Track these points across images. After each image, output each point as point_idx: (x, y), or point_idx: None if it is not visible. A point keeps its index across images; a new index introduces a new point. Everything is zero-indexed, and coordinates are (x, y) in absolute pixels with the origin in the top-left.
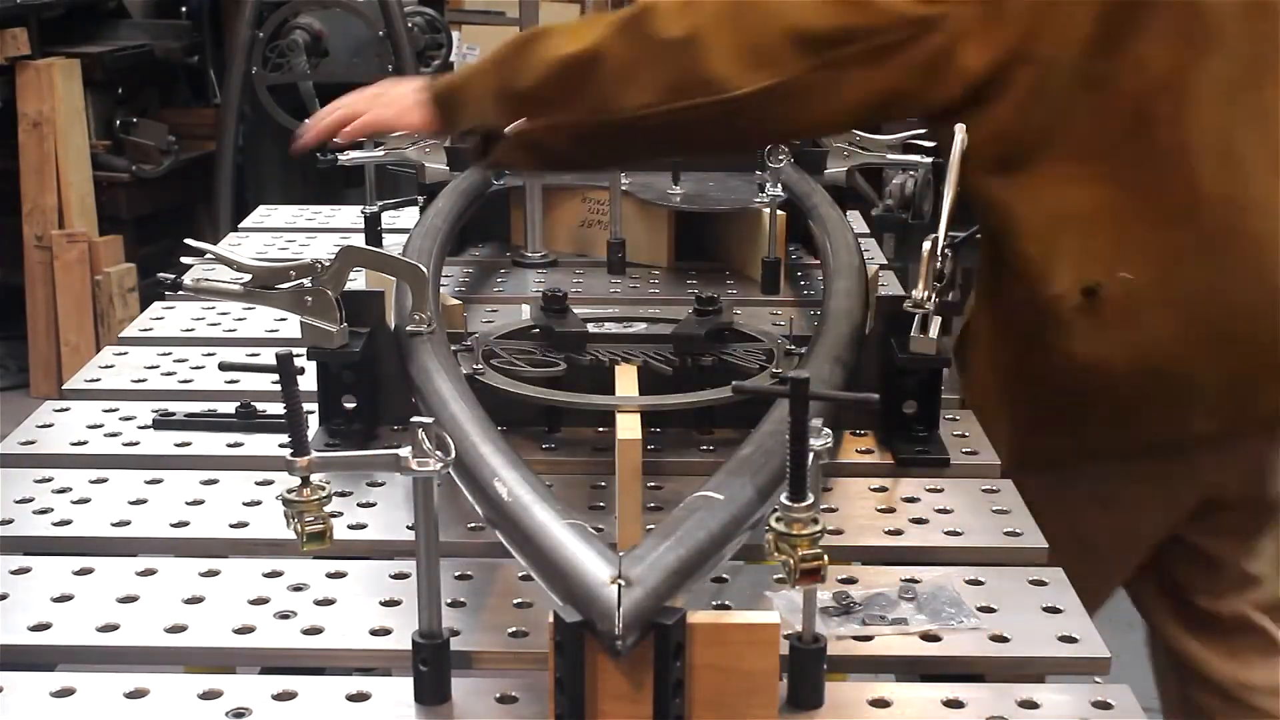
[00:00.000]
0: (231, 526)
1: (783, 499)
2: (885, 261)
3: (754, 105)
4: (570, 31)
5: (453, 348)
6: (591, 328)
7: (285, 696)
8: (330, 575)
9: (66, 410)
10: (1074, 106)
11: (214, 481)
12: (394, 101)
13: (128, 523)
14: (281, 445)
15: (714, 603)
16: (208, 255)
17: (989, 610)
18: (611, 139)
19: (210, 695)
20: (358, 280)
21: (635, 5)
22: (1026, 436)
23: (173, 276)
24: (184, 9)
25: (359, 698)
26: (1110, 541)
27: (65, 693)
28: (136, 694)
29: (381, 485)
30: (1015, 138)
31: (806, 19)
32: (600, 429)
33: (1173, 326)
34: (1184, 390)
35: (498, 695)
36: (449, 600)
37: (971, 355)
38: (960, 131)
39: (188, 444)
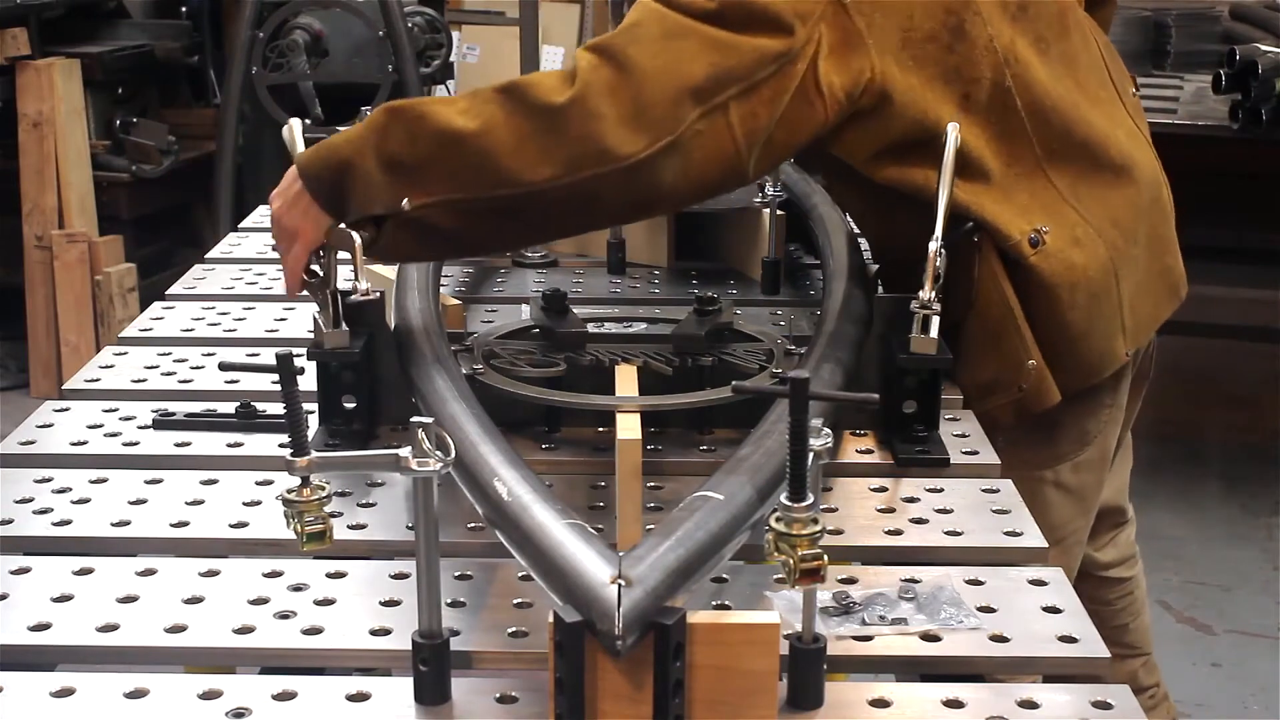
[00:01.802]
0: (231, 526)
1: (783, 499)
2: None
3: (650, 166)
4: (451, 105)
5: (453, 348)
6: (591, 328)
7: (285, 696)
8: (330, 575)
9: (66, 410)
10: (945, 95)
11: (214, 481)
12: (290, 228)
13: (128, 523)
14: (281, 445)
15: (714, 603)
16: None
17: (989, 610)
18: (506, 214)
19: (210, 695)
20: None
21: (513, 80)
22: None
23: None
24: (184, 9)
25: (359, 698)
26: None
27: (65, 693)
28: (136, 694)
29: (381, 485)
30: (898, 135)
31: (683, 72)
32: (600, 429)
33: (1092, 251)
34: (1112, 311)
35: (498, 695)
36: (449, 600)
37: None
38: (953, 130)
39: (188, 444)
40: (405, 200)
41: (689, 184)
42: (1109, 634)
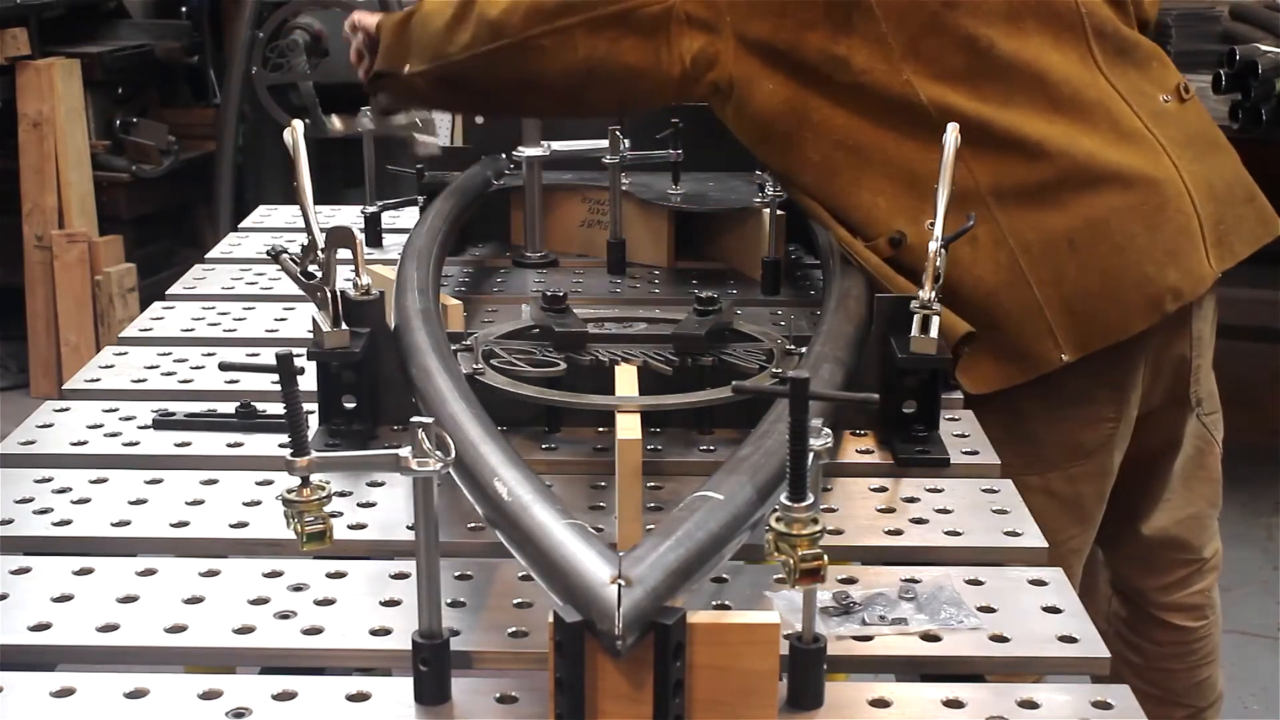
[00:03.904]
0: (231, 526)
1: (783, 499)
2: None
3: (524, 52)
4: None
5: (453, 348)
6: (591, 328)
7: (285, 696)
8: (330, 575)
9: (66, 410)
10: (827, 88)
11: (214, 481)
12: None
13: (128, 523)
14: (281, 445)
15: (714, 603)
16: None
17: (989, 610)
18: (454, 81)
19: (210, 695)
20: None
21: None
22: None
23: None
24: (184, 9)
25: (359, 698)
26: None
27: (65, 693)
28: (136, 694)
29: (381, 485)
30: (763, 123)
31: None
32: (600, 429)
33: (990, 252)
34: (1032, 313)
35: (498, 695)
36: (449, 600)
37: None
38: (953, 131)
39: (188, 444)
40: (406, 67)
41: (550, 91)
42: (1149, 675)
